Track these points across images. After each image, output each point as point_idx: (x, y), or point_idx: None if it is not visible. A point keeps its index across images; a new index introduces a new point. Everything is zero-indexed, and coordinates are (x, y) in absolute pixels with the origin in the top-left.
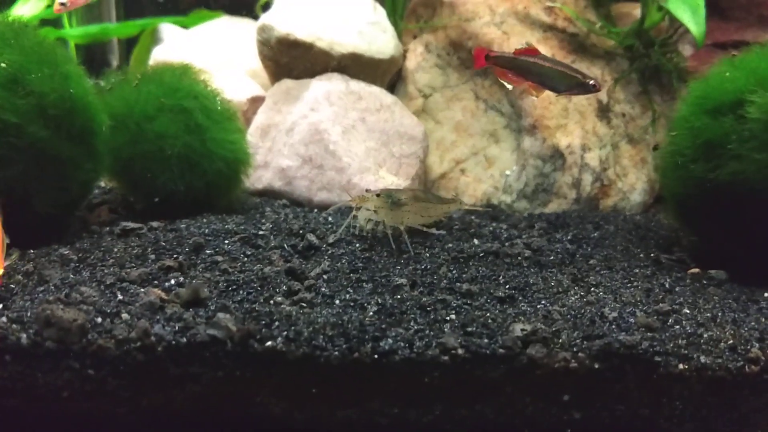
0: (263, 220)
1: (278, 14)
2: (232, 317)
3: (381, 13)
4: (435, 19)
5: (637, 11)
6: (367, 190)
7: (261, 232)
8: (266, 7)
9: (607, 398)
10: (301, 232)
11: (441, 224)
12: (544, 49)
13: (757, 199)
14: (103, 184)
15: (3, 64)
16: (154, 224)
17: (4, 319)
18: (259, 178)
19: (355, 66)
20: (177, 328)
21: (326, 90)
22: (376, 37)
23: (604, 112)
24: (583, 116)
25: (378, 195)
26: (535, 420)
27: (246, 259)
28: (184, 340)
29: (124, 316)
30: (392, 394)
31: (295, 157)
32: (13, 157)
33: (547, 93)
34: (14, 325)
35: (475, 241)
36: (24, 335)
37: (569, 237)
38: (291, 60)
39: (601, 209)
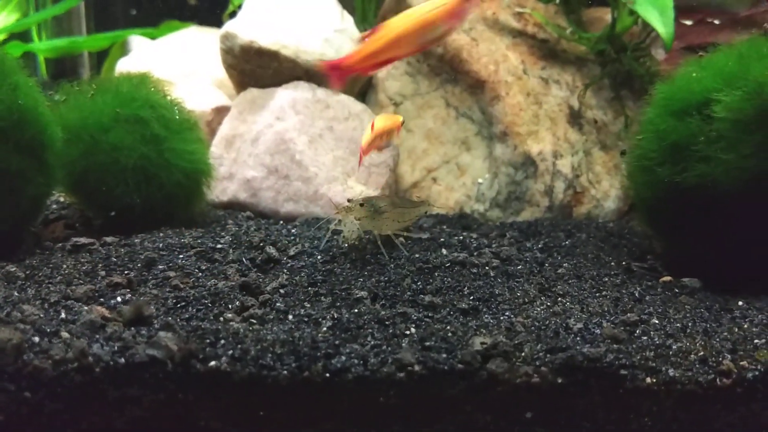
0: (223, 233)
1: (242, 22)
2: (175, 336)
3: (348, 20)
4: None
5: (608, 16)
6: (349, 200)
7: (219, 246)
8: (234, 15)
9: (572, 415)
10: (261, 244)
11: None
12: (514, 56)
13: (725, 202)
14: (61, 198)
15: None
16: (108, 239)
17: None
18: (224, 190)
19: (322, 74)
20: (116, 347)
21: (292, 98)
22: (344, 45)
23: (575, 118)
24: (554, 122)
25: (362, 204)
26: None
27: (200, 274)
28: (123, 360)
29: (64, 335)
30: (346, 415)
31: (260, 167)
32: None
33: (518, 100)
34: None
35: (443, 251)
36: None
37: (540, 245)
38: (256, 68)
39: (574, 217)
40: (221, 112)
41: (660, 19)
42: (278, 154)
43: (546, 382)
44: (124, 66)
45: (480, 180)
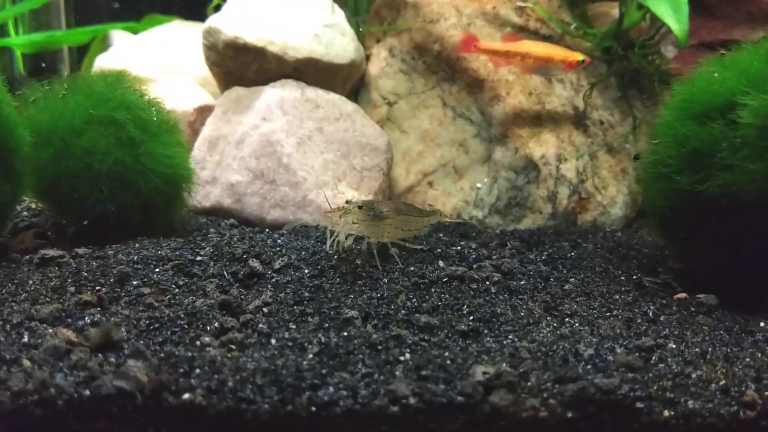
0: (204, 244)
1: (226, 16)
2: (145, 365)
3: (340, 15)
4: (399, 21)
5: (615, 11)
6: (347, 201)
7: (199, 258)
8: (219, 9)
9: None
10: (244, 257)
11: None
12: None
13: (751, 214)
14: (33, 205)
15: None
16: (80, 251)
17: None
18: (206, 195)
19: (313, 72)
20: (81, 377)
21: (279, 98)
22: (334, 41)
23: (580, 119)
24: (558, 124)
25: (360, 207)
26: None
27: (177, 290)
28: (88, 392)
29: (25, 362)
30: None
31: (245, 171)
32: None
33: (519, 100)
34: None
35: (440, 263)
36: None
37: (544, 257)
38: (241, 66)
39: (579, 224)
40: (204, 111)
41: (673, 15)
42: (264, 157)
43: (555, 417)
44: (103, 62)
45: (478, 185)
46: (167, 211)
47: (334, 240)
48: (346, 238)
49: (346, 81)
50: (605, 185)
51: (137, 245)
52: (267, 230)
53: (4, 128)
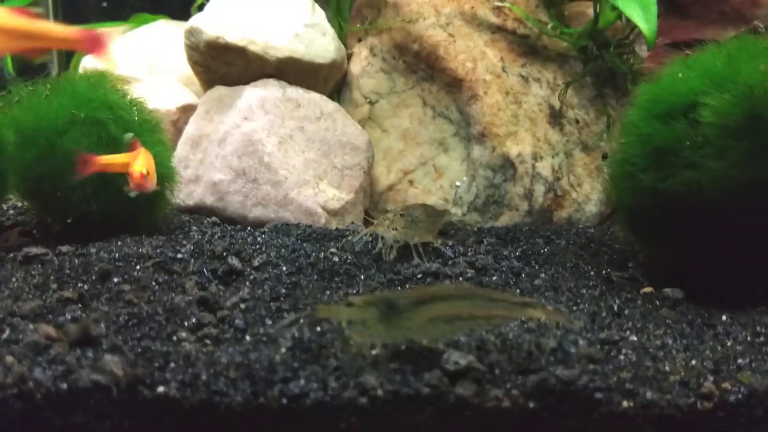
0: (185, 242)
1: (208, 16)
2: (122, 359)
3: (320, 14)
4: (379, 20)
5: (590, 10)
6: (387, 210)
7: (179, 256)
8: (202, 9)
9: None
10: (224, 254)
11: None
12: (492, 53)
13: (712, 211)
14: (19, 204)
15: None
16: (64, 249)
17: None
18: (189, 193)
19: (294, 71)
20: (59, 371)
21: (261, 97)
22: (315, 40)
23: (556, 118)
24: (534, 123)
25: (401, 215)
26: None
27: (157, 287)
28: (65, 386)
29: (6, 358)
30: None
31: (227, 170)
32: None
33: (496, 99)
34: None
35: (416, 261)
36: None
37: (518, 253)
38: (223, 65)
39: (555, 221)
40: (187, 110)
41: (642, 15)
42: (246, 156)
43: (517, 407)
44: (88, 62)
45: (458, 183)
46: (150, 209)
47: (387, 248)
48: (393, 245)
49: (327, 80)
50: (580, 183)
51: (119, 243)
52: (249, 228)
53: None
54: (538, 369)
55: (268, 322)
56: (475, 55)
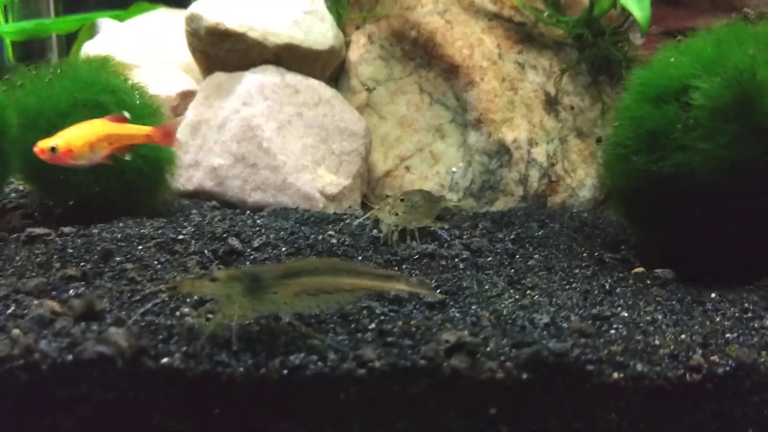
0: (185, 224)
1: (208, 3)
2: (126, 332)
3: (319, 1)
4: (378, 8)
5: None
6: (387, 195)
7: (181, 237)
8: None
9: (537, 411)
10: (224, 236)
11: None
12: (489, 39)
13: (702, 192)
14: (20, 187)
15: None
16: (66, 230)
17: None
18: (189, 178)
19: (292, 58)
20: (64, 344)
21: (260, 83)
22: (314, 27)
23: (551, 104)
24: (530, 109)
25: (402, 200)
26: None
27: (159, 266)
28: (70, 357)
29: (13, 331)
30: (304, 413)
31: (226, 155)
32: None
33: (493, 86)
34: None
35: (413, 243)
36: None
37: (512, 236)
38: (223, 52)
39: (549, 206)
40: (187, 97)
41: (636, 3)
42: (245, 141)
43: (510, 378)
44: (89, 49)
45: (454, 169)
46: (150, 192)
47: (388, 232)
48: (395, 229)
49: (325, 67)
50: (574, 168)
51: (121, 225)
52: (248, 212)
53: None
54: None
55: None
56: (472, 42)
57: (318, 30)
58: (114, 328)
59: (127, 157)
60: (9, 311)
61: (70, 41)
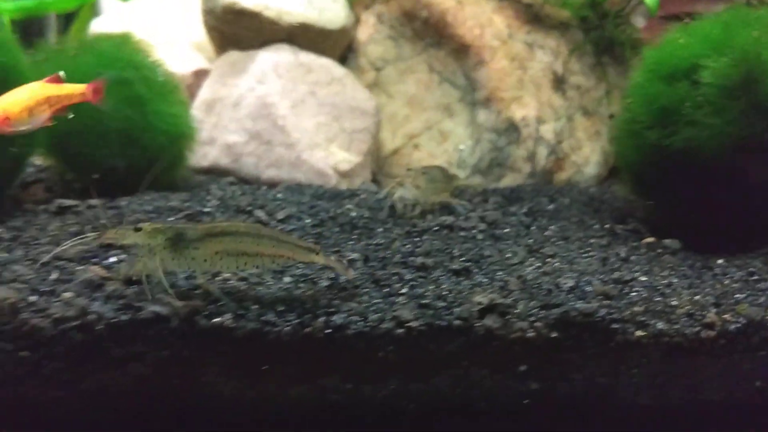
0: (209, 197)
1: None
2: (176, 293)
3: None
4: None
5: None
6: (408, 169)
7: (207, 209)
8: None
9: (565, 368)
10: (248, 208)
11: None
12: (499, 19)
13: (710, 166)
14: (38, 161)
15: None
16: (93, 202)
17: None
18: (204, 155)
19: (305, 37)
20: (118, 305)
21: (274, 62)
22: (327, 7)
23: (559, 83)
24: (539, 88)
25: (423, 173)
26: (492, 392)
27: None
28: (127, 317)
29: (62, 294)
30: (345, 369)
31: (242, 132)
32: None
33: (502, 65)
34: None
35: (429, 215)
36: None
37: (524, 210)
38: (237, 30)
39: (555, 183)
40: (201, 75)
41: None
42: (260, 119)
43: (540, 337)
44: (98, 27)
45: (461, 146)
46: (171, 167)
47: (408, 205)
48: (415, 202)
49: (335, 46)
50: (580, 146)
51: (146, 198)
52: (264, 187)
53: (20, 84)
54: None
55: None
56: (482, 22)
57: (331, 9)
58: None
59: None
60: (53, 277)
61: (67, 21)
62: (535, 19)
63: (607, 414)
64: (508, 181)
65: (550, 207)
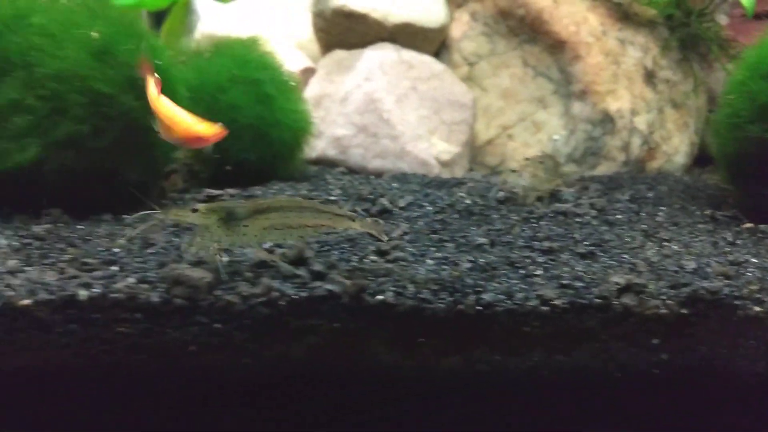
0: (331, 186)
1: None
2: (341, 273)
3: None
4: None
5: None
6: (526, 158)
7: (333, 198)
8: None
9: (691, 341)
10: (370, 197)
11: None
12: (594, 18)
13: None
14: None
15: (95, 35)
16: (231, 191)
17: (131, 280)
18: (312, 147)
19: (406, 35)
20: (295, 283)
21: (380, 60)
22: (429, 7)
23: (650, 77)
24: (631, 82)
25: (540, 162)
26: (625, 363)
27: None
28: (305, 294)
29: (244, 273)
30: (494, 343)
31: (349, 126)
32: (106, 127)
33: (597, 60)
34: (142, 285)
35: (538, 203)
36: (154, 294)
37: (626, 197)
38: (344, 31)
39: (646, 171)
40: (307, 73)
41: None
42: (367, 113)
43: (672, 314)
44: (204, 28)
45: (555, 136)
46: (290, 159)
47: (527, 191)
48: (533, 190)
49: (432, 43)
50: (670, 136)
51: (276, 187)
52: (371, 176)
53: (170, 84)
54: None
55: (433, 249)
56: (578, 20)
57: (432, 9)
58: (331, 271)
59: None
60: (228, 258)
61: (159, 19)
62: (625, 17)
63: (725, 381)
64: (603, 169)
65: (650, 194)
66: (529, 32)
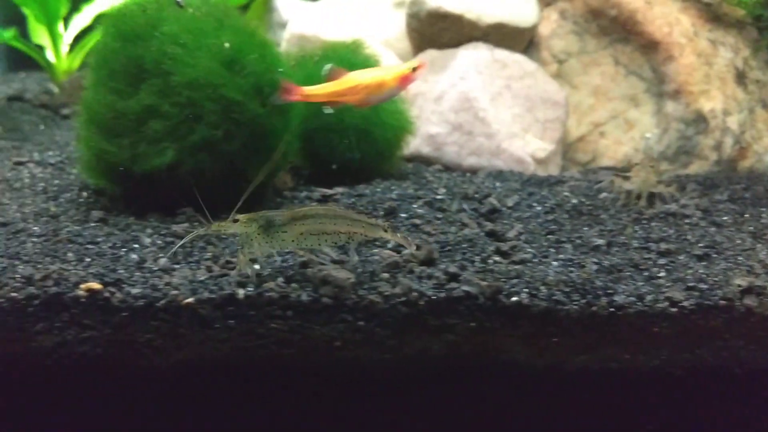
0: (435, 185)
1: None
2: (472, 275)
3: None
4: None
5: None
6: (635, 163)
7: (439, 197)
8: None
9: None
10: (476, 195)
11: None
12: (685, 19)
13: None
14: None
15: (227, 44)
16: (340, 189)
17: (281, 280)
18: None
19: (497, 35)
20: (431, 285)
21: (474, 59)
22: (521, 7)
23: (741, 78)
24: (723, 82)
25: (651, 166)
26: (745, 360)
27: (439, 222)
28: (443, 294)
29: (383, 274)
30: (624, 342)
31: (444, 124)
32: (236, 132)
33: (690, 60)
34: (292, 285)
35: (641, 202)
36: (303, 293)
37: (725, 197)
38: (437, 31)
39: (738, 171)
40: None
41: None
42: (462, 111)
43: None
44: (293, 29)
45: (648, 135)
46: (390, 158)
47: (634, 195)
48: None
49: (522, 42)
50: (760, 136)
51: (381, 186)
52: (467, 174)
53: None
54: None
55: (552, 250)
56: (670, 21)
57: (523, 9)
58: (463, 272)
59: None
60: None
61: None
62: (715, 18)
63: None
64: (695, 168)
65: (747, 195)
66: (621, 32)
